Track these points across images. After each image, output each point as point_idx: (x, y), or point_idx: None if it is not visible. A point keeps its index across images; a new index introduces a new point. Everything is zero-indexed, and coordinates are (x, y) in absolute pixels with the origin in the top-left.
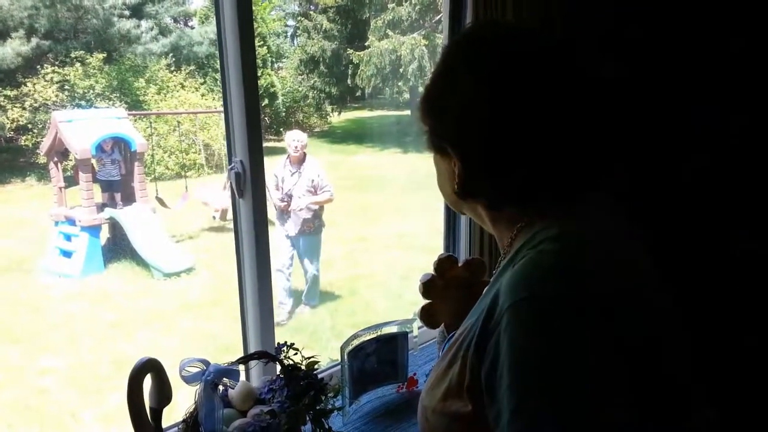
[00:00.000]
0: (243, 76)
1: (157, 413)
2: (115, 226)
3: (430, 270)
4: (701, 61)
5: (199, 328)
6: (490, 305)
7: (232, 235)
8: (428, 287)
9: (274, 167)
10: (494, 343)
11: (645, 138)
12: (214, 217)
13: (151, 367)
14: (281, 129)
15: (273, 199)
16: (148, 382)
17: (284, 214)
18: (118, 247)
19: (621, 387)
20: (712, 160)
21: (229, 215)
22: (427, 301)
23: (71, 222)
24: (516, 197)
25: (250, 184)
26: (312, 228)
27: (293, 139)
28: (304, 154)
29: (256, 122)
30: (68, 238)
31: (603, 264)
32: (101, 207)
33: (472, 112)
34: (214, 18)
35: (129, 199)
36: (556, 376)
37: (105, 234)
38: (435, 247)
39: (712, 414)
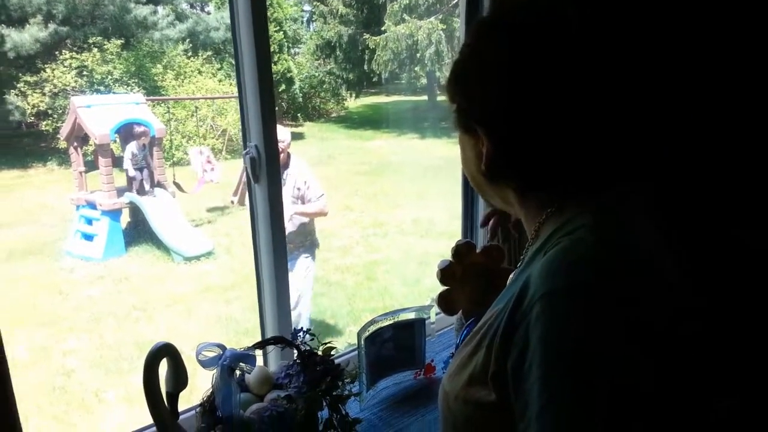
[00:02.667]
0: (257, 61)
1: (173, 398)
2: (135, 210)
3: (448, 256)
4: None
5: (220, 312)
6: (520, 293)
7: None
8: (446, 273)
9: None
10: (523, 333)
11: (685, 126)
12: (232, 202)
13: (166, 351)
14: (298, 114)
15: None
16: (164, 366)
17: None
18: (138, 231)
19: (654, 381)
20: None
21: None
22: (445, 288)
23: (92, 206)
24: (545, 180)
25: (265, 169)
26: (303, 246)
27: None
28: (288, 155)
29: (270, 107)
30: (89, 221)
31: (638, 256)
32: (121, 191)
33: (500, 92)
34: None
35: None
36: (590, 371)
37: (126, 218)
38: (453, 232)
39: (734, 404)
